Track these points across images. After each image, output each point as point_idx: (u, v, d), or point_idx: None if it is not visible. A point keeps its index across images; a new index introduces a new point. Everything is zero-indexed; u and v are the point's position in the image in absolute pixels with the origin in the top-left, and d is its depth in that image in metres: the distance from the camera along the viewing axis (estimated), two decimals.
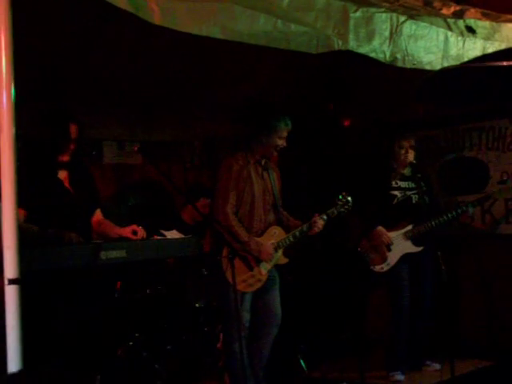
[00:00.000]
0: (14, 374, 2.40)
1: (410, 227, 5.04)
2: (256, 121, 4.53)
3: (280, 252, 4.42)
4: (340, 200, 4.53)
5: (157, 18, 2.70)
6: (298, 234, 4.43)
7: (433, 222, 4.95)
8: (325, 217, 4.46)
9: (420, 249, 5.03)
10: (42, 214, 3.41)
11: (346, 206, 4.54)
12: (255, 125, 4.49)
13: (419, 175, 4.96)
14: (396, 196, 5.09)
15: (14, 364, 2.45)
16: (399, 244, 5.03)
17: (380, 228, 5.04)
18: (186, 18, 2.83)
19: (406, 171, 5.17)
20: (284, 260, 4.47)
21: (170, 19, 2.76)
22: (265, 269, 4.34)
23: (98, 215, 3.86)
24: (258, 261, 4.30)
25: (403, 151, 5.10)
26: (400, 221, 5.06)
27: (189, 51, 4.51)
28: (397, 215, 5.06)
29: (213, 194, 4.43)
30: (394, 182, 5.13)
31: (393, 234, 5.04)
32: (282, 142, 4.38)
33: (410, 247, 5.04)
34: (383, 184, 5.11)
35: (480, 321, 5.76)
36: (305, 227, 4.43)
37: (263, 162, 4.47)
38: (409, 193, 5.10)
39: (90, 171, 3.97)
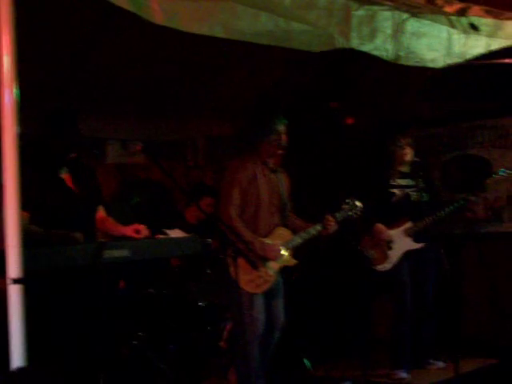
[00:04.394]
0: (16, 372, 2.41)
1: (409, 224, 5.04)
2: (253, 123, 4.54)
3: (288, 253, 4.40)
4: (347, 204, 4.52)
5: (158, 18, 2.70)
6: (306, 235, 4.41)
7: (432, 218, 4.96)
8: (338, 217, 4.44)
9: (421, 245, 5.04)
10: (45, 214, 3.41)
11: (354, 211, 4.52)
12: (253, 127, 4.50)
13: (420, 173, 4.96)
14: (395, 194, 5.10)
15: (17, 363, 2.45)
16: (400, 242, 5.04)
17: (379, 225, 5.05)
18: (187, 18, 2.83)
19: (405, 169, 5.17)
20: (292, 261, 4.44)
21: (172, 19, 2.75)
22: (271, 270, 4.32)
23: (100, 213, 3.86)
24: (264, 261, 4.30)
25: (401, 149, 5.11)
26: (400, 219, 5.07)
27: (192, 50, 4.52)
28: (396, 213, 5.08)
29: (218, 195, 4.44)
30: (392, 180, 5.13)
31: (393, 232, 5.05)
32: (282, 139, 4.38)
33: (410, 244, 5.04)
34: (382, 182, 5.12)
35: (484, 319, 5.75)
36: (314, 229, 4.41)
37: (271, 164, 4.46)
38: (408, 190, 5.11)
39: (93, 170, 3.97)
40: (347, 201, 4.51)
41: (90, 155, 4.18)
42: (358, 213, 4.51)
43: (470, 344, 5.40)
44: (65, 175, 3.67)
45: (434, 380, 4.91)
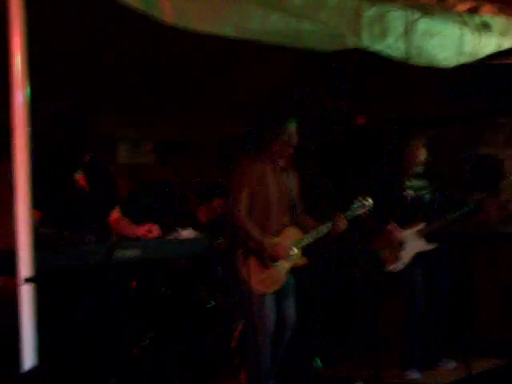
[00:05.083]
0: (28, 372, 2.41)
1: (422, 225, 5.02)
2: (264, 123, 4.53)
3: (298, 252, 4.39)
4: (357, 201, 4.50)
5: (169, 18, 2.70)
6: (316, 234, 4.40)
7: (445, 219, 4.94)
8: (348, 216, 4.42)
9: (433, 246, 5.02)
10: (57, 215, 3.42)
11: (365, 208, 4.50)
12: (264, 127, 4.49)
13: (433, 173, 4.95)
14: (409, 195, 5.08)
15: (28, 364, 2.46)
16: (412, 242, 5.02)
17: (392, 225, 5.03)
18: (198, 18, 2.83)
19: (419, 169, 5.16)
20: (303, 261, 4.43)
21: (183, 19, 2.76)
22: (282, 269, 4.32)
23: (115, 214, 3.87)
24: (274, 260, 4.29)
25: (414, 149, 5.09)
26: (413, 219, 5.05)
27: (202, 51, 4.52)
28: (409, 214, 5.05)
29: (228, 194, 4.45)
30: (406, 181, 5.11)
31: (405, 233, 5.03)
32: (293, 139, 4.37)
33: (423, 245, 5.03)
34: (395, 183, 5.10)
35: (496, 319, 5.72)
36: (325, 228, 4.40)
37: (281, 164, 4.46)
38: (421, 191, 5.09)
39: (109, 170, 3.97)
40: (359, 198, 4.50)
41: (101, 156, 4.19)
42: (369, 211, 4.49)
43: (481, 344, 5.38)
44: (79, 176, 3.68)
45: (446, 380, 4.88)
